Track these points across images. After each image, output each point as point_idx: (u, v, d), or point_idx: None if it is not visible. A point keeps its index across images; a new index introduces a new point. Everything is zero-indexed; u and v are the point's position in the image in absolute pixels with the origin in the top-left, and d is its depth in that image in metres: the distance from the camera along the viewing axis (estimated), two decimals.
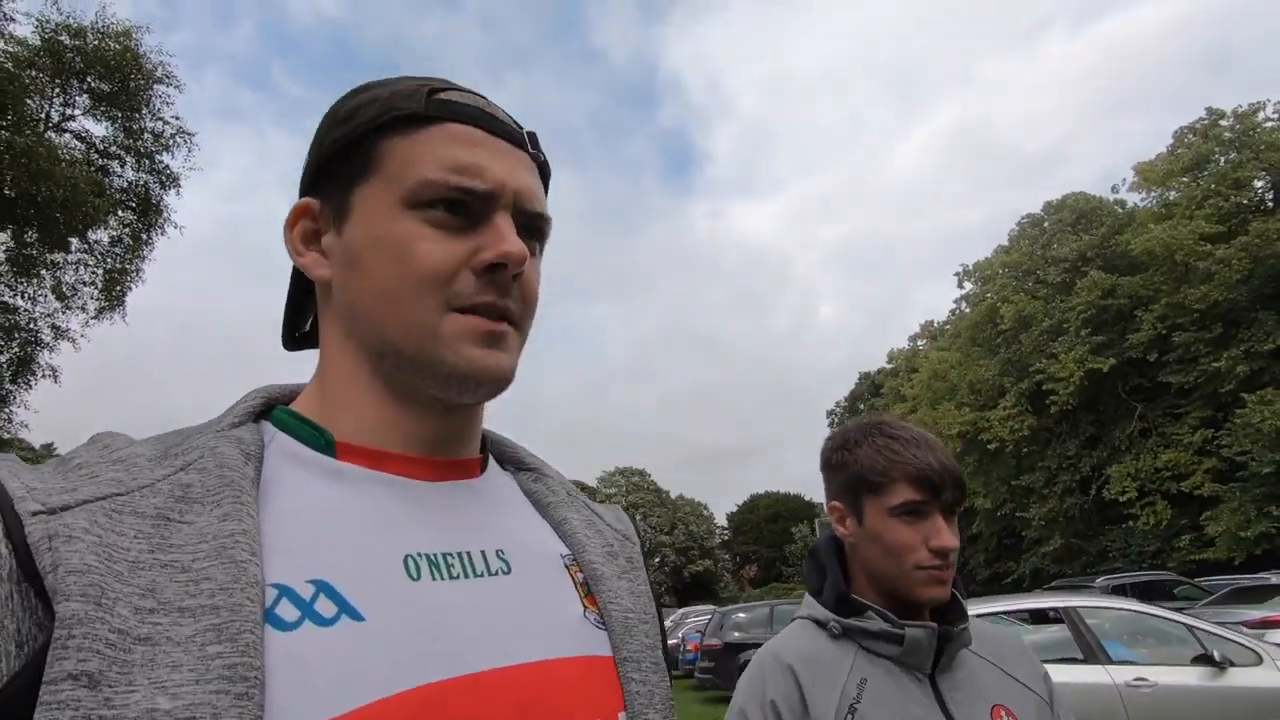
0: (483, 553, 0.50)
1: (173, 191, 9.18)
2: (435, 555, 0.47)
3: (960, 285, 30.86)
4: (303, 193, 0.54)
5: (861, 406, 46.63)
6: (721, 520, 63.84)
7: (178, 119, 9.17)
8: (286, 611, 0.40)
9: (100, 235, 9.05)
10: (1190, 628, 5.73)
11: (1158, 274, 22.03)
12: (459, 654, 0.44)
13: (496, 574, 0.50)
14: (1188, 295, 20.80)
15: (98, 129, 8.90)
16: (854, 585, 1.09)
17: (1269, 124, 22.36)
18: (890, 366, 39.06)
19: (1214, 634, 5.65)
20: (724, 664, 11.04)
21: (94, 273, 8.97)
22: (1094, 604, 6.19)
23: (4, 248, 8.13)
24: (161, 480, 0.41)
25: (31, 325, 8.60)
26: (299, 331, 0.60)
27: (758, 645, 1.22)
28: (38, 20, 8.19)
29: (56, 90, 8.44)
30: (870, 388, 45.09)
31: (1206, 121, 23.33)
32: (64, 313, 8.97)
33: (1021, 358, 25.17)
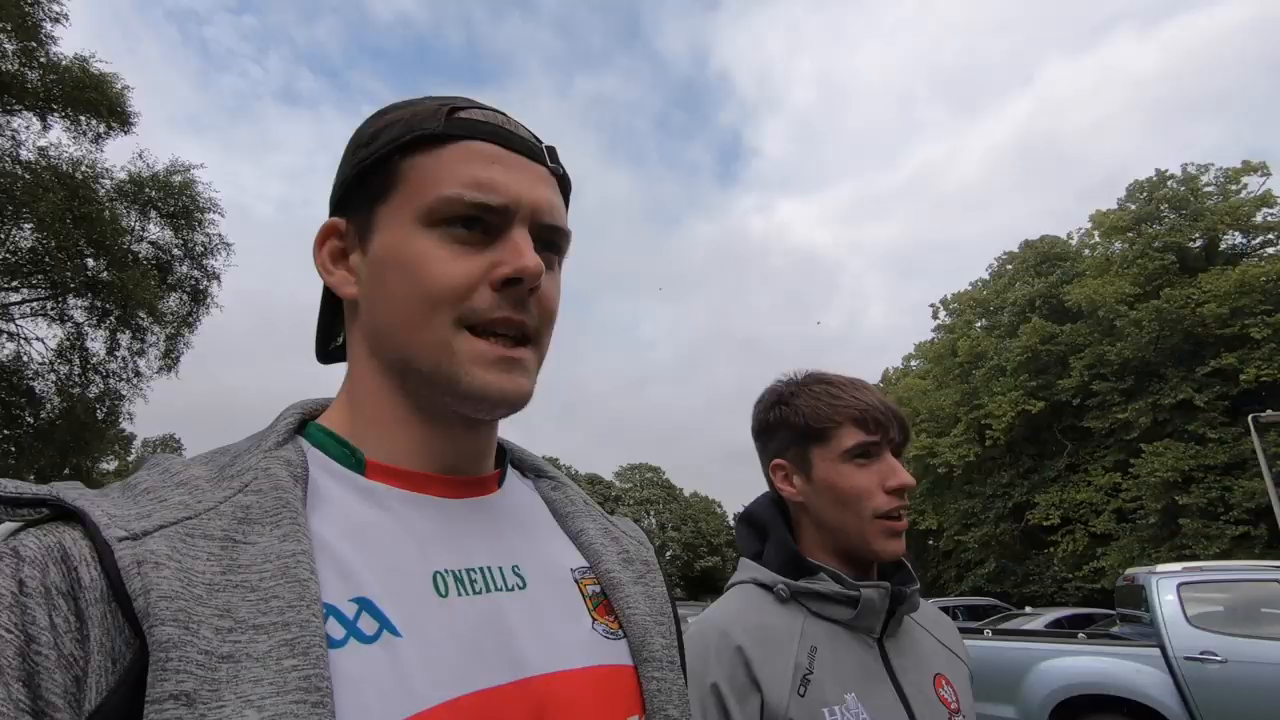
0: (500, 569, 0.52)
1: (215, 282, 13.29)
2: (460, 572, 0.50)
3: (935, 316, 33.11)
4: (331, 213, 0.56)
5: None
6: (732, 519, 66.03)
7: (220, 235, 13.20)
8: (334, 629, 0.42)
9: (165, 307, 12.99)
10: None
11: (1087, 326, 24.09)
12: (485, 667, 0.46)
13: (513, 589, 0.52)
14: (1108, 349, 22.87)
15: (164, 236, 12.85)
16: (801, 547, 1.03)
17: (1209, 188, 24.07)
18: (879, 386, 41.30)
19: None
20: None
21: (157, 337, 13.00)
22: None
23: (107, 327, 12.19)
24: (224, 503, 0.44)
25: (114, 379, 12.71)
26: (332, 345, 0.62)
27: None
28: (129, 172, 12.09)
29: (137, 214, 12.35)
30: None
31: (1155, 179, 25.08)
32: (133, 379, 13.07)
33: (973, 391, 27.42)
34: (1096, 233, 26.75)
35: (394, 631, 0.44)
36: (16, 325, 12.57)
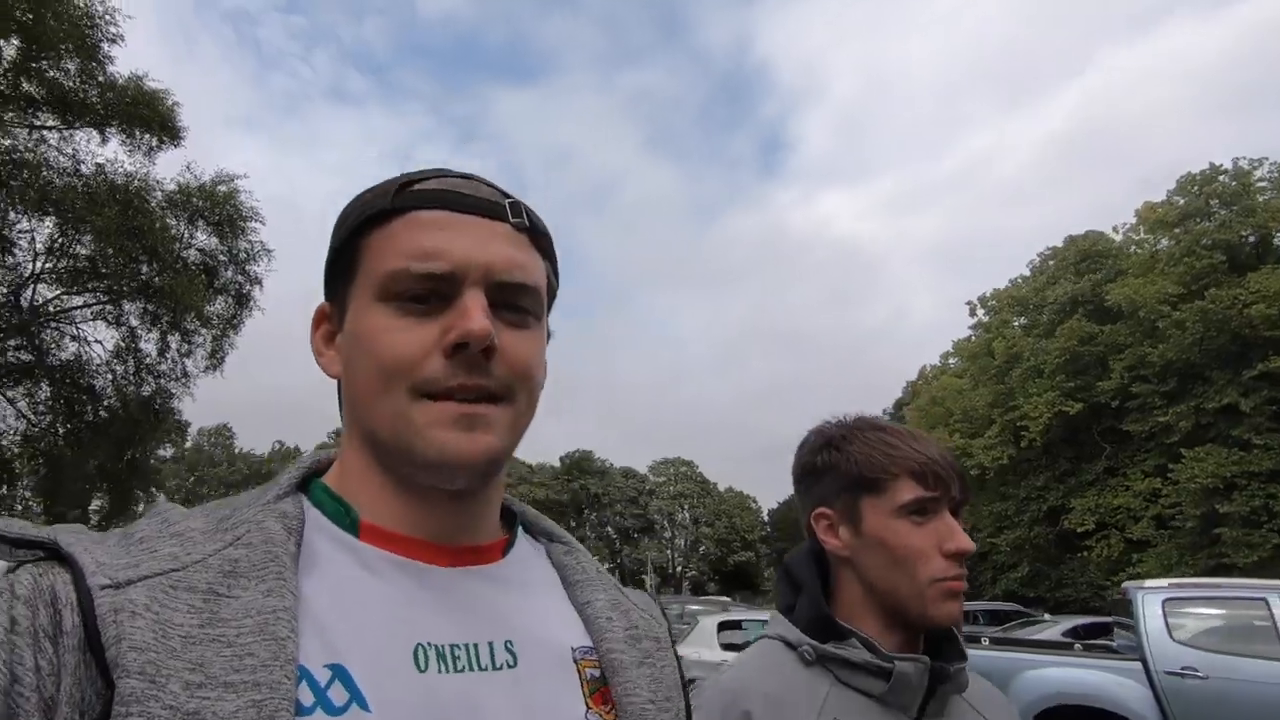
0: (490, 644, 0.51)
1: (257, 286, 14.26)
2: (443, 646, 0.48)
3: (972, 314, 32.51)
4: (325, 296, 0.58)
5: (906, 416, 47.95)
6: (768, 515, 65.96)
7: (262, 242, 14.16)
8: (304, 695, 0.41)
9: (211, 310, 13.83)
10: None
11: (1127, 326, 23.46)
12: None
13: (502, 667, 0.50)
14: (1150, 350, 22.25)
15: (210, 243, 13.67)
16: (837, 606, 0.95)
17: (1262, 184, 23.15)
18: (917, 383, 40.68)
19: None
20: None
21: (204, 339, 13.91)
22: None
23: (159, 329, 13.15)
24: (212, 555, 0.44)
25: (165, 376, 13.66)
26: None
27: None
28: (178, 183, 12.93)
29: (186, 222, 13.15)
30: (914, 397, 46.55)
31: (1207, 173, 24.18)
32: (181, 378, 14.10)
33: (1009, 392, 26.93)
34: (1142, 228, 25.96)
35: (363, 705, 0.43)
36: (78, 328, 13.61)
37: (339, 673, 0.44)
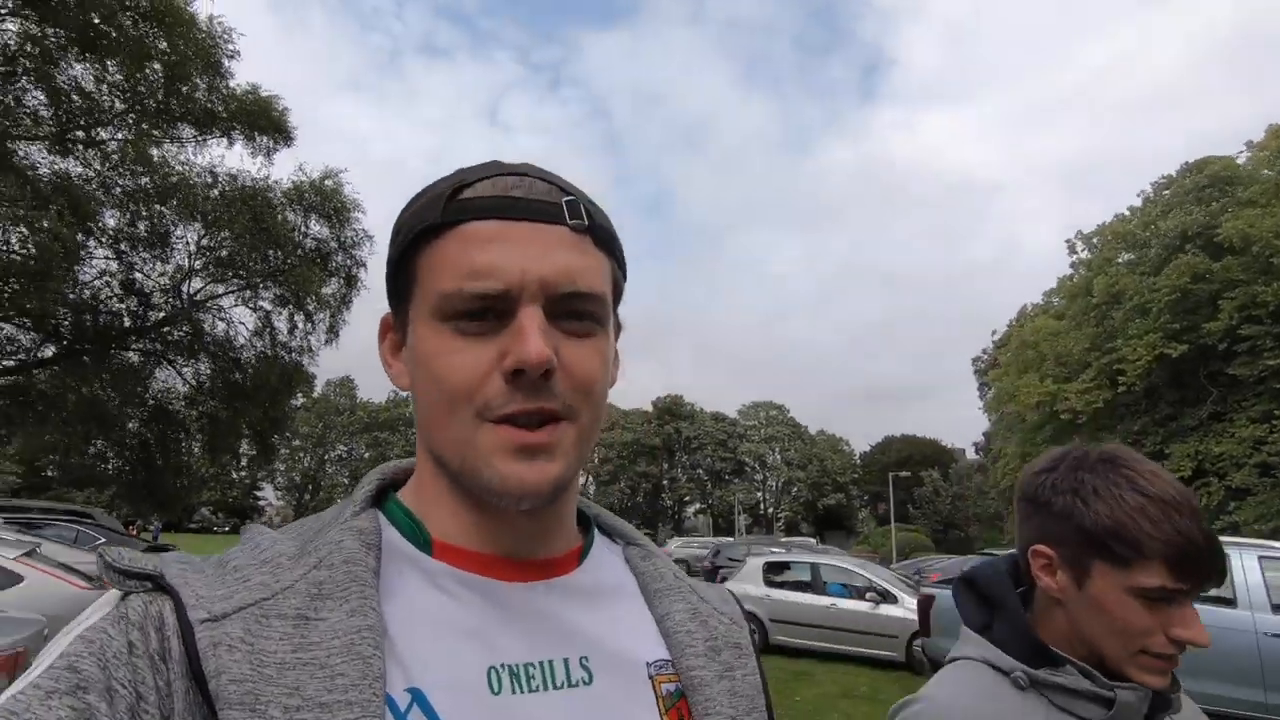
0: (565, 661, 0.51)
1: (362, 269, 16.67)
2: (517, 667, 0.49)
3: (1072, 251, 30.66)
4: (389, 306, 0.57)
5: (1000, 360, 46.25)
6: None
7: (364, 229, 16.53)
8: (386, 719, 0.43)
9: (326, 292, 16.10)
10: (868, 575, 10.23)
11: (1240, 262, 21.77)
12: None
13: (577, 684, 0.50)
14: (1263, 290, 20.69)
15: (322, 232, 15.75)
16: (1039, 631, 0.90)
17: None
18: (1017, 323, 38.94)
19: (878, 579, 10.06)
20: None
21: (322, 317, 16.52)
22: (828, 561, 10.72)
23: (287, 310, 15.62)
24: (299, 580, 0.46)
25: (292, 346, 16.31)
26: None
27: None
28: (293, 182, 15.00)
29: (301, 215, 15.23)
30: (1008, 340, 44.56)
31: None
32: (308, 351, 16.87)
33: (1109, 334, 25.65)
34: (1264, 153, 23.59)
35: None
36: (225, 312, 16.41)
37: (418, 697, 0.45)
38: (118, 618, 0.43)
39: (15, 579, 5.44)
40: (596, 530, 0.63)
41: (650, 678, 0.54)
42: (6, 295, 12.03)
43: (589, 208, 0.53)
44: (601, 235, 0.53)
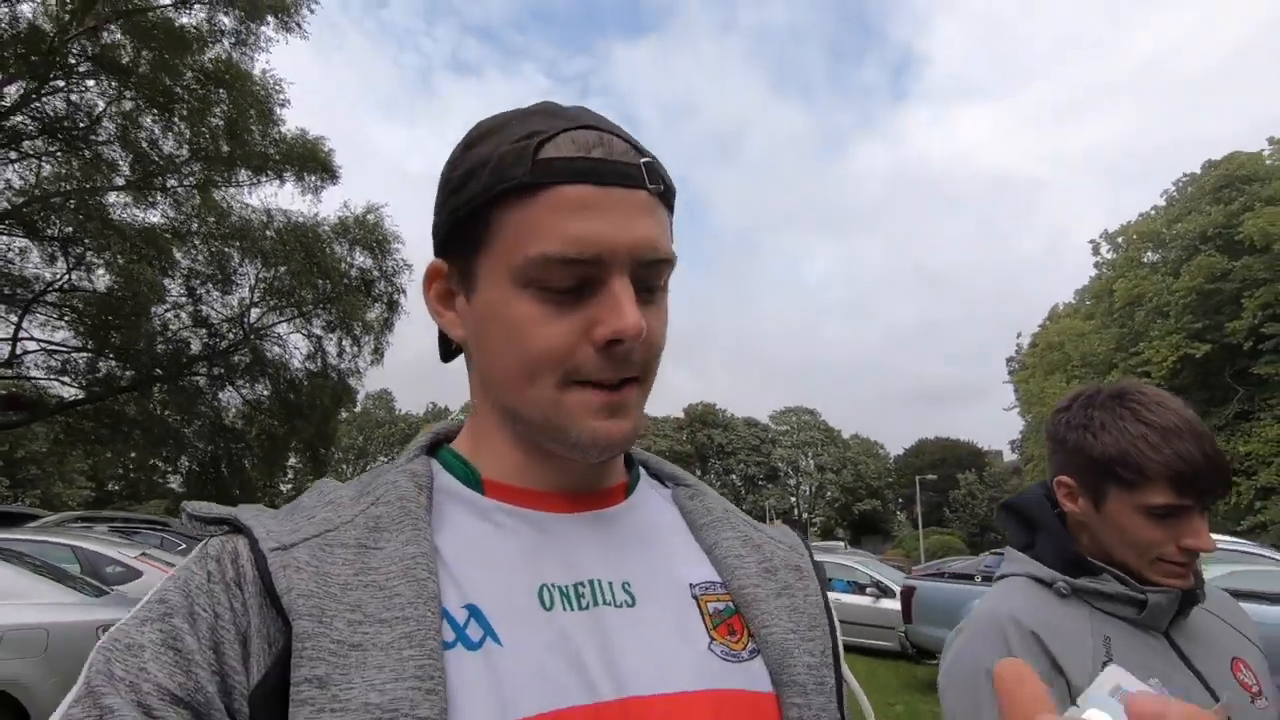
0: (610, 584, 0.53)
1: (403, 295, 18.28)
2: (566, 586, 0.51)
3: (1095, 252, 30.53)
4: (436, 251, 0.57)
5: (1027, 362, 45.95)
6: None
7: (404, 259, 18.07)
8: (446, 632, 0.46)
9: (370, 318, 17.66)
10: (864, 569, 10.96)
11: (1262, 261, 21.72)
12: (584, 683, 0.48)
13: (622, 606, 0.52)
14: None
15: (366, 262, 17.40)
16: (1078, 548, 0.99)
17: None
18: (1048, 324, 38.70)
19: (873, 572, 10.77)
20: None
21: (367, 341, 18.17)
22: (831, 559, 11.54)
23: (336, 336, 17.33)
24: (358, 515, 0.50)
25: (340, 368, 18.10)
26: (454, 346, 0.62)
27: None
28: (339, 218, 16.80)
29: (346, 247, 16.77)
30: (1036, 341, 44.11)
31: None
32: (355, 373, 18.57)
33: (1133, 336, 25.64)
34: None
35: (496, 640, 0.47)
36: (282, 338, 18.11)
37: (474, 612, 0.48)
38: (200, 556, 0.49)
39: (136, 574, 6.64)
40: (644, 471, 0.65)
41: (695, 598, 0.56)
42: (103, 332, 13.69)
43: (662, 171, 0.53)
44: (670, 196, 0.55)
